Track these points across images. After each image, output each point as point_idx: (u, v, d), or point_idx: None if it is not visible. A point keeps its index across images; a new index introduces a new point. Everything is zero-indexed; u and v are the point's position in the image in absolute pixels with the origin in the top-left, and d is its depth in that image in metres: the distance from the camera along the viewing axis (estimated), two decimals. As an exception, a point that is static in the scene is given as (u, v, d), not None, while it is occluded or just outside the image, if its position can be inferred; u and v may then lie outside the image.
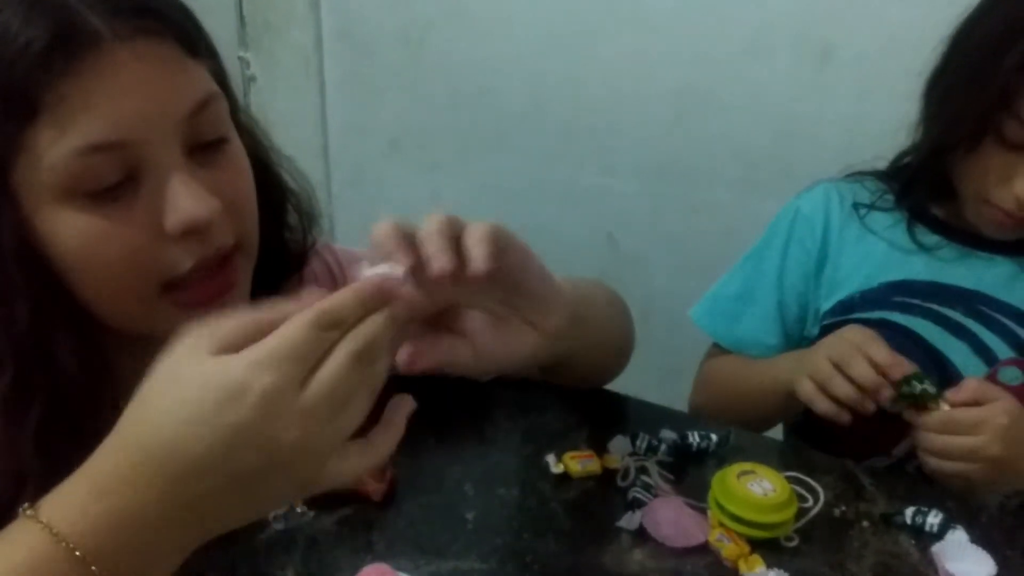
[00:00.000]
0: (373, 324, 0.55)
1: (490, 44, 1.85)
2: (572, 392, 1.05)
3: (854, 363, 1.01)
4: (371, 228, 0.63)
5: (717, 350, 1.31)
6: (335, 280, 0.95)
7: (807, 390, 1.04)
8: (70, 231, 0.66)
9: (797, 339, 1.25)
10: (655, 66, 1.71)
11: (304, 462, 0.53)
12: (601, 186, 1.84)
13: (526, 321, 0.75)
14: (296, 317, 0.53)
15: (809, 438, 1.23)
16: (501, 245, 0.67)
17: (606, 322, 0.99)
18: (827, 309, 1.19)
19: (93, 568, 0.52)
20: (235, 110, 0.77)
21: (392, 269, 0.60)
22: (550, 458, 0.95)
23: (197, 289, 0.71)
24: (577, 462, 0.94)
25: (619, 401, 1.07)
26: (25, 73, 0.62)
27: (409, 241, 0.63)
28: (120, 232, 0.66)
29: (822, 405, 1.03)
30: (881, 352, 1.00)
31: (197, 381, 0.52)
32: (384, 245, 0.62)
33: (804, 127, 1.62)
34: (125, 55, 0.64)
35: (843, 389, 1.01)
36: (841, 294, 1.18)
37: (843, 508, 0.91)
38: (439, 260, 0.61)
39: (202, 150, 0.70)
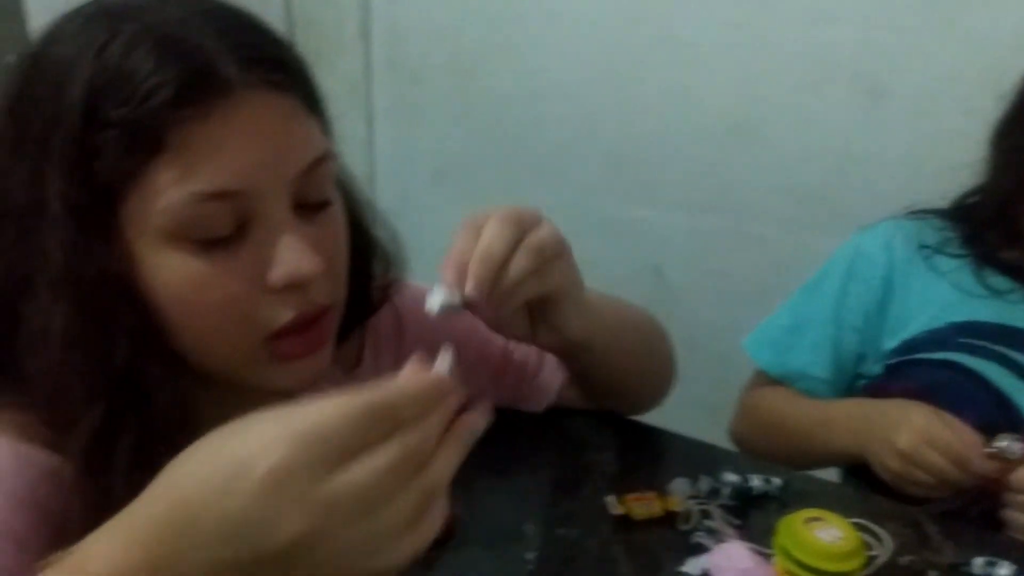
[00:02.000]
0: (424, 432, 0.50)
1: (538, 75, 1.85)
2: (629, 430, 1.04)
3: (927, 457, 1.02)
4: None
5: (762, 378, 1.30)
6: (400, 328, 0.94)
7: (892, 480, 1.06)
8: (174, 274, 0.65)
9: (851, 376, 1.23)
10: (705, 99, 1.70)
11: (311, 561, 0.47)
12: (648, 219, 1.83)
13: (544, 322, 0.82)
14: (347, 398, 0.49)
15: (868, 479, 1.21)
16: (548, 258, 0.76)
17: (635, 335, 1.01)
18: (891, 348, 1.18)
19: None
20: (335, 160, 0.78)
21: (451, 297, 0.69)
22: (610, 499, 0.94)
23: (292, 341, 0.70)
24: (639, 504, 0.93)
25: (677, 441, 1.06)
26: (154, 111, 0.61)
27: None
28: (223, 280, 0.66)
29: (913, 491, 1.04)
30: (949, 439, 1.01)
31: (222, 445, 0.49)
32: (446, 275, 0.68)
33: (856, 165, 1.61)
34: (253, 105, 0.65)
35: (926, 480, 1.02)
36: (905, 334, 1.16)
37: (910, 557, 0.89)
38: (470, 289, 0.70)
39: (306, 209, 0.70)
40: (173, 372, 0.69)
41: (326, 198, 0.72)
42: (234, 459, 0.47)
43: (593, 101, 1.81)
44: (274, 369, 0.71)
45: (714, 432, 1.15)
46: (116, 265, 0.65)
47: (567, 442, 1.03)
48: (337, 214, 0.74)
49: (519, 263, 0.73)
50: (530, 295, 0.76)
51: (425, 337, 0.94)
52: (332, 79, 2.12)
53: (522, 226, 0.74)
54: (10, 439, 0.67)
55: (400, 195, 2.08)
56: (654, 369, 1.06)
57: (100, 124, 0.62)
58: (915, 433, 1.03)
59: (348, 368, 0.92)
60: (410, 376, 0.53)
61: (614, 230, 1.87)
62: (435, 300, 0.70)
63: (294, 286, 0.67)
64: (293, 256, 0.67)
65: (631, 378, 1.02)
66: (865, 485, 1.19)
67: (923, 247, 1.17)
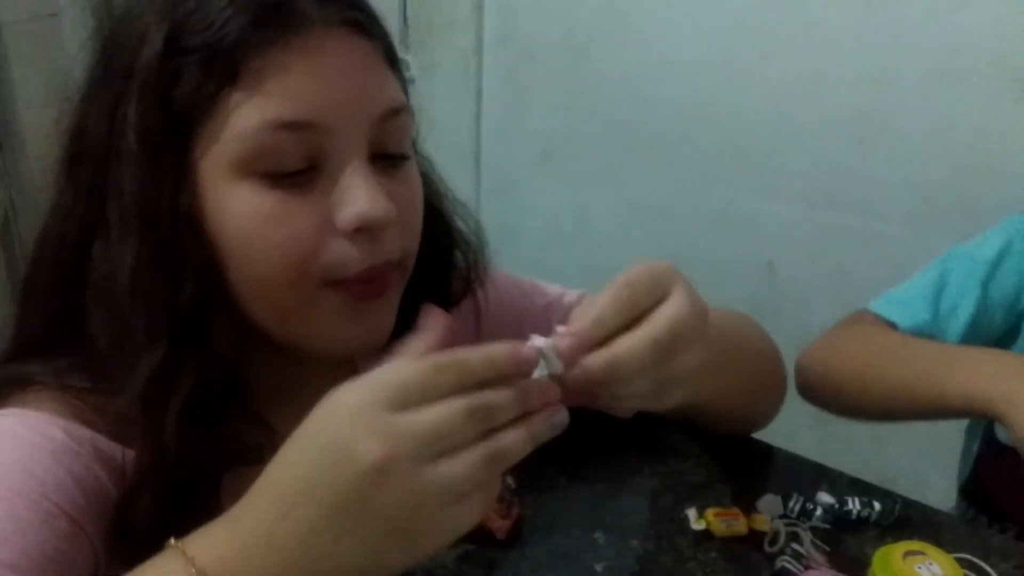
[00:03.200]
0: (499, 393, 0.53)
1: (654, 54, 1.78)
2: (717, 438, 0.97)
3: None
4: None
5: (867, 317, 1.13)
6: (478, 320, 0.91)
7: None
8: (240, 206, 0.64)
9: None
10: (830, 85, 1.60)
11: (389, 487, 0.49)
12: (762, 211, 1.74)
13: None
14: (419, 359, 0.53)
15: (981, 502, 1.11)
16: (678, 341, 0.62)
17: (747, 367, 0.92)
18: None
19: None
20: (415, 150, 0.77)
21: (554, 343, 0.58)
22: (691, 512, 0.88)
23: (356, 290, 0.68)
24: (721, 520, 0.87)
25: (769, 453, 0.99)
26: (232, 37, 0.62)
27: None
28: (290, 216, 0.64)
29: None
30: None
31: (321, 421, 0.52)
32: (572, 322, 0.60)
33: (992, 162, 1.48)
34: (330, 41, 0.65)
35: None
36: None
37: (1023, 601, 0.81)
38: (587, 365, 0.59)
39: (383, 160, 0.68)
40: (232, 318, 0.68)
41: (402, 151, 0.70)
42: (323, 408, 0.52)
43: (710, 84, 1.72)
44: (335, 320, 0.69)
45: (818, 445, 1.06)
46: (187, 198, 0.65)
47: (651, 448, 0.97)
48: (413, 173, 0.73)
49: (641, 390, 0.62)
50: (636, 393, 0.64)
51: (501, 329, 0.91)
52: (443, 53, 2.11)
53: (677, 337, 0.61)
54: (62, 418, 0.66)
55: (505, 174, 2.05)
56: (767, 393, 0.98)
57: (179, 51, 0.63)
58: None
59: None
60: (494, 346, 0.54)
61: (726, 222, 1.79)
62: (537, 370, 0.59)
63: (364, 230, 0.65)
64: (365, 197, 0.65)
65: (742, 408, 0.96)
66: (981, 514, 1.09)
67: None
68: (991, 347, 1.06)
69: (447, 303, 0.86)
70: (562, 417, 0.55)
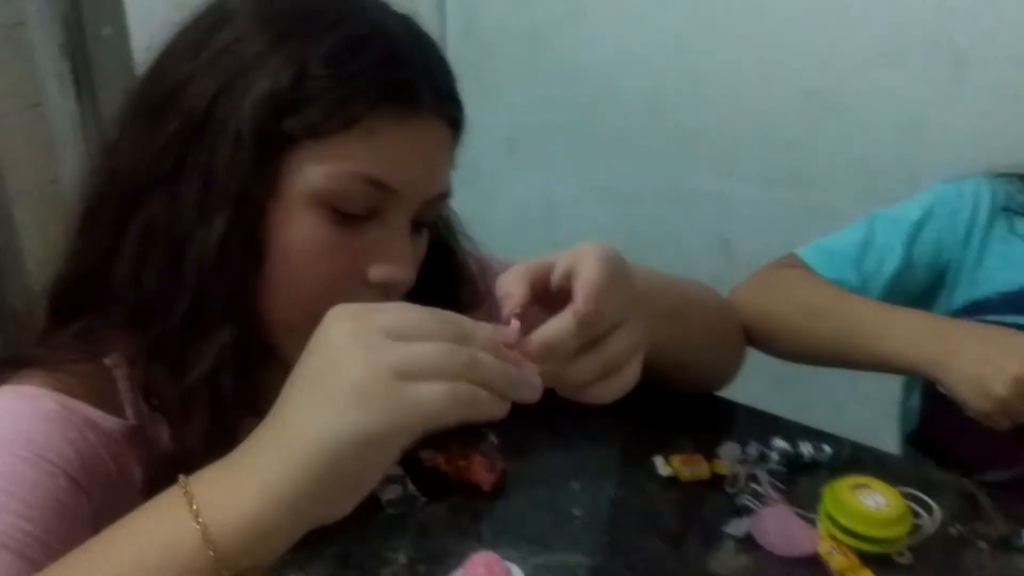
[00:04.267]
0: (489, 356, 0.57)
1: (612, 44, 1.86)
2: (681, 396, 1.05)
3: None
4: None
5: (794, 262, 1.21)
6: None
7: (988, 408, 0.96)
8: (305, 230, 0.73)
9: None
10: (779, 70, 1.69)
11: (355, 352, 0.53)
12: (718, 191, 1.82)
13: None
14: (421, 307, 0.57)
15: (927, 448, 1.20)
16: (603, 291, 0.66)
17: (698, 321, 1.00)
18: (959, 306, 1.15)
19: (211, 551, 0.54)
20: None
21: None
22: (658, 460, 0.95)
23: None
24: (686, 466, 0.94)
25: (729, 408, 1.07)
26: (365, 95, 0.71)
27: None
28: (338, 252, 0.74)
29: (1005, 424, 0.96)
30: None
31: (316, 336, 0.57)
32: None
33: (933, 136, 1.57)
34: (434, 129, 0.76)
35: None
36: (977, 293, 1.13)
37: (959, 527, 0.89)
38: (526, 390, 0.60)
39: (415, 227, 0.78)
40: (245, 317, 0.74)
41: (429, 221, 0.81)
42: (322, 325, 0.57)
43: (666, 70, 1.81)
44: None
45: (777, 405, 1.14)
46: (265, 199, 0.72)
47: (621, 406, 1.04)
48: (424, 241, 0.82)
49: (587, 369, 0.66)
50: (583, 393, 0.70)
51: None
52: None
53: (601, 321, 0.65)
54: (53, 391, 0.73)
55: (471, 165, 2.10)
56: (723, 354, 1.06)
57: (318, 80, 0.71)
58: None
59: None
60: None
61: (684, 202, 1.87)
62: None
63: (387, 286, 0.75)
64: (400, 261, 0.76)
65: (695, 361, 1.02)
66: (924, 455, 1.17)
67: (1006, 209, 1.14)
68: (914, 306, 1.13)
69: None
70: (536, 380, 0.59)
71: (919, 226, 1.17)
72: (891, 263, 1.16)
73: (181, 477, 0.57)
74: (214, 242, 0.71)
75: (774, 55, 1.69)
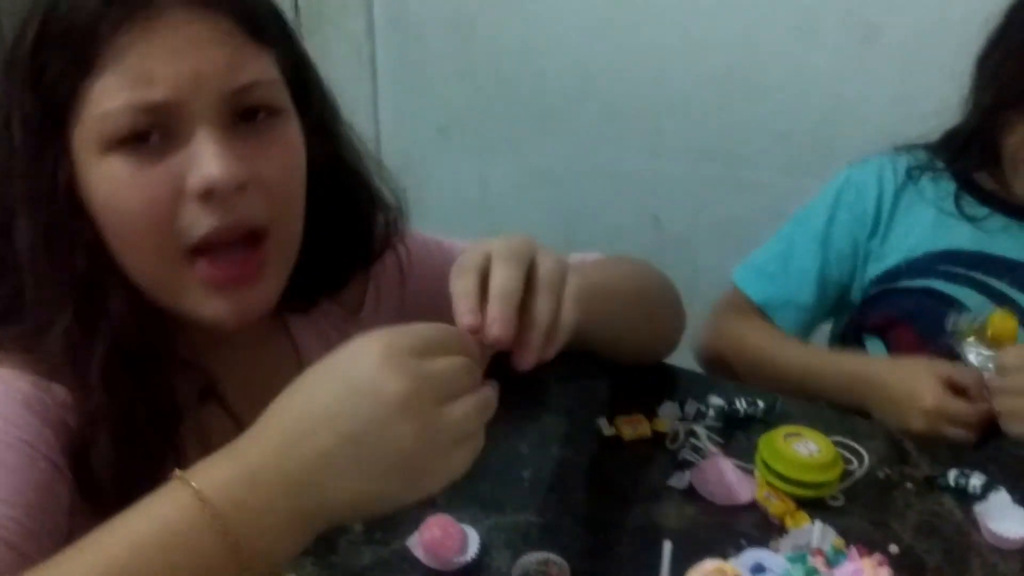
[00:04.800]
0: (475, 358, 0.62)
1: (538, 29, 1.89)
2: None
3: (947, 428, 1.04)
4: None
5: (738, 297, 1.31)
6: (403, 276, 0.98)
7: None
8: (103, 179, 0.70)
9: (834, 304, 1.28)
10: (700, 49, 1.73)
11: (409, 419, 0.55)
12: (647, 169, 1.87)
13: None
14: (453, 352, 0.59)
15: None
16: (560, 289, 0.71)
17: (631, 295, 1.01)
18: (873, 277, 1.21)
19: (226, 536, 0.54)
20: (328, 113, 0.84)
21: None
22: (602, 421, 0.98)
23: (221, 265, 0.72)
24: (628, 426, 0.97)
25: (668, 371, 1.10)
26: (85, 23, 0.68)
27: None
28: (144, 183, 0.69)
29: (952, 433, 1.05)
30: (962, 409, 1.04)
31: (355, 365, 0.57)
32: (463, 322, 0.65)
33: (849, 108, 1.64)
34: (178, 19, 0.69)
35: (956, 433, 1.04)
36: (888, 263, 1.20)
37: (887, 471, 0.93)
38: (497, 330, 0.65)
39: (247, 122, 0.72)
40: (129, 287, 0.74)
41: (269, 111, 0.74)
42: (352, 348, 0.57)
43: (591, 52, 1.84)
44: (203, 297, 0.74)
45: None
46: (65, 176, 0.71)
47: (561, 370, 1.07)
48: (286, 134, 0.76)
49: (544, 305, 0.69)
50: (569, 333, 0.72)
51: (425, 286, 0.99)
52: (337, 40, 2.17)
53: (524, 261, 0.69)
54: (23, 371, 0.72)
55: (405, 152, 2.12)
56: (661, 327, 1.08)
57: (47, 43, 0.69)
58: (923, 415, 1.05)
59: (351, 311, 0.97)
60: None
61: (613, 181, 1.91)
62: None
63: (210, 193, 0.69)
64: (210, 162, 0.69)
65: (633, 344, 1.04)
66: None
67: (911, 169, 1.21)
68: (840, 296, 1.27)
69: (368, 261, 0.94)
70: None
71: (830, 222, 1.26)
72: (813, 263, 1.26)
73: (177, 472, 0.56)
74: (33, 243, 0.71)
75: (696, 33, 1.73)
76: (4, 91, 0.72)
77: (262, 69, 0.74)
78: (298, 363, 0.91)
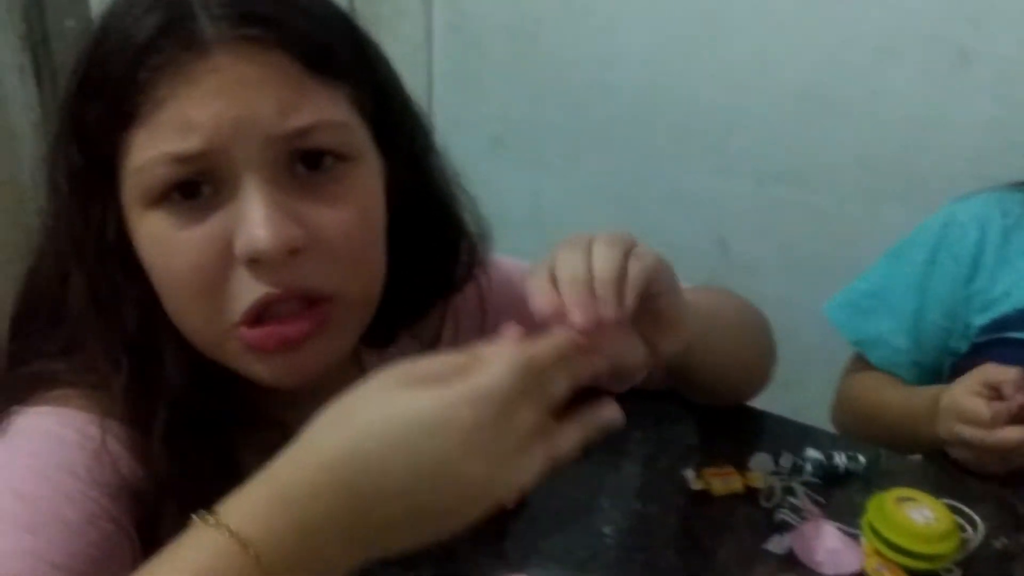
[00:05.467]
0: (561, 385, 0.56)
1: (603, 38, 1.80)
2: (707, 407, 1.00)
3: (964, 435, 0.99)
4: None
5: (858, 364, 1.26)
6: (483, 305, 0.92)
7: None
8: (147, 237, 0.64)
9: (936, 352, 1.19)
10: (777, 66, 1.64)
11: (484, 497, 0.53)
12: (713, 189, 1.78)
13: (642, 337, 0.72)
14: (504, 358, 0.54)
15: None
16: (652, 287, 0.67)
17: (731, 344, 0.95)
18: (980, 326, 1.13)
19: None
20: (419, 145, 0.77)
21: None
22: (688, 473, 0.91)
23: (264, 332, 0.64)
24: (718, 479, 0.90)
25: (755, 416, 1.03)
26: (124, 70, 0.61)
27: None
28: (189, 245, 0.62)
29: (994, 470, 1.00)
30: (973, 406, 0.98)
31: (405, 406, 0.52)
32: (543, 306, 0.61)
33: (936, 134, 1.55)
34: (224, 60, 0.61)
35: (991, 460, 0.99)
36: (996, 312, 1.11)
37: (1004, 540, 0.86)
38: (582, 314, 0.61)
39: (310, 170, 0.64)
40: (185, 346, 0.67)
41: (334, 156, 0.65)
42: (423, 419, 0.51)
43: (659, 66, 1.76)
44: (252, 360, 0.66)
45: (780, 407, 1.10)
46: (113, 234, 0.65)
47: (643, 415, 1.00)
48: (357, 180, 0.67)
49: (607, 252, 0.65)
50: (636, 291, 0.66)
51: (508, 314, 0.93)
52: (393, 44, 2.10)
53: (625, 247, 0.67)
54: (96, 415, 0.66)
55: (458, 161, 2.05)
56: (760, 358, 1.02)
57: (88, 92, 0.64)
58: (951, 418, 1.01)
59: (427, 344, 0.90)
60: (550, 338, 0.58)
61: (678, 200, 1.82)
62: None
63: (255, 261, 0.61)
64: (256, 227, 0.60)
65: (733, 376, 0.98)
66: (949, 464, 1.14)
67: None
68: (941, 332, 1.19)
69: (451, 290, 0.87)
70: (614, 416, 0.58)
71: (930, 262, 1.18)
72: (909, 304, 1.19)
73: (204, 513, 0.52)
74: (85, 300, 0.67)
75: (772, 51, 1.64)
76: (53, 142, 0.67)
77: (325, 109, 0.64)
78: None
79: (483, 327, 0.93)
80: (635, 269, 0.65)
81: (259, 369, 0.66)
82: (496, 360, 0.53)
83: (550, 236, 2.06)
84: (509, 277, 0.95)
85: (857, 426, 1.21)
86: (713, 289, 0.98)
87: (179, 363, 0.67)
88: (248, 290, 0.62)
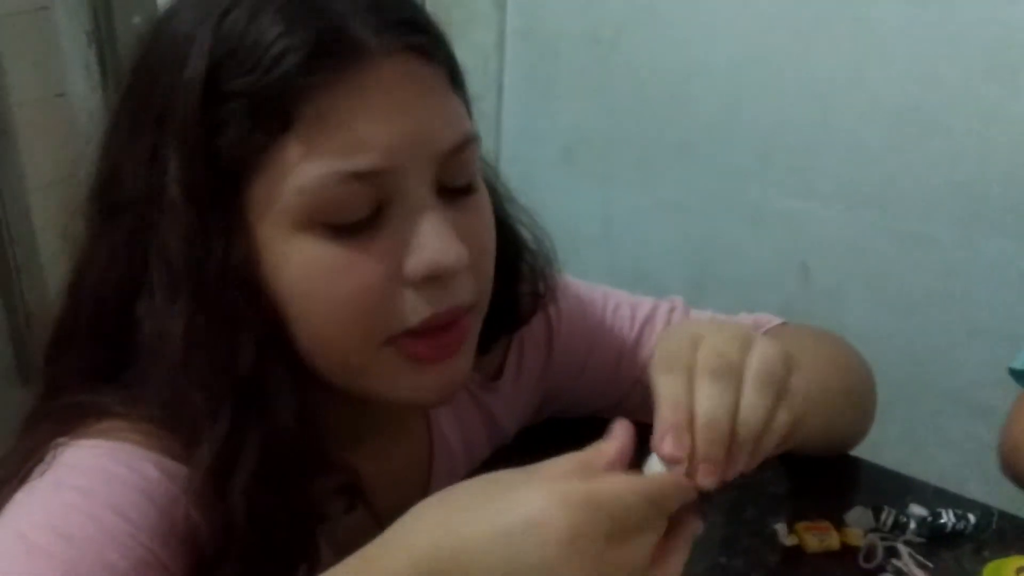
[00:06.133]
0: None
1: (684, 49, 1.73)
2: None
3: None
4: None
5: None
6: (550, 337, 0.87)
7: None
8: (304, 262, 0.59)
9: None
10: (871, 83, 1.55)
11: None
12: (796, 210, 1.69)
13: None
14: (633, 483, 0.49)
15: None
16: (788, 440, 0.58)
17: (838, 419, 0.87)
18: None
19: None
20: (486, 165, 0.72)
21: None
22: (780, 527, 0.83)
23: (426, 342, 0.63)
24: (812, 535, 0.81)
25: (850, 464, 0.94)
26: (282, 81, 0.56)
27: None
28: (357, 269, 0.59)
29: None
30: None
31: (511, 498, 0.48)
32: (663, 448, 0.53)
33: (1044, 161, 1.44)
34: (390, 73, 0.59)
35: None
36: None
37: None
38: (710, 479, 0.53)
39: (450, 194, 0.63)
40: (297, 382, 0.62)
41: (470, 182, 0.64)
42: (525, 515, 0.46)
43: (745, 80, 1.67)
44: (406, 374, 0.63)
45: (860, 446, 1.01)
46: (240, 256, 0.59)
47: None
48: (483, 203, 0.66)
49: (757, 402, 0.55)
50: (777, 444, 0.58)
51: (571, 346, 0.86)
52: (463, 50, 2.04)
53: (778, 388, 0.56)
54: (150, 451, 0.61)
55: (526, 174, 1.99)
56: (864, 418, 0.94)
57: (223, 97, 0.57)
58: None
59: (487, 378, 0.85)
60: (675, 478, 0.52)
61: (758, 221, 1.74)
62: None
63: (435, 278, 0.60)
64: (435, 243, 0.59)
65: (836, 440, 0.91)
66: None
67: None
68: None
69: (517, 322, 0.81)
70: (699, 527, 0.54)
71: None
72: None
73: None
74: (190, 333, 0.59)
75: (865, 66, 1.55)
76: (147, 148, 0.60)
77: (468, 122, 0.65)
78: (430, 442, 0.82)
79: (548, 359, 0.88)
80: (780, 422, 0.55)
81: (408, 384, 0.64)
82: (624, 480, 0.49)
83: (621, 251, 2.01)
84: (579, 304, 0.88)
85: None
86: (816, 332, 0.92)
87: (290, 396, 0.62)
88: (418, 310, 0.61)
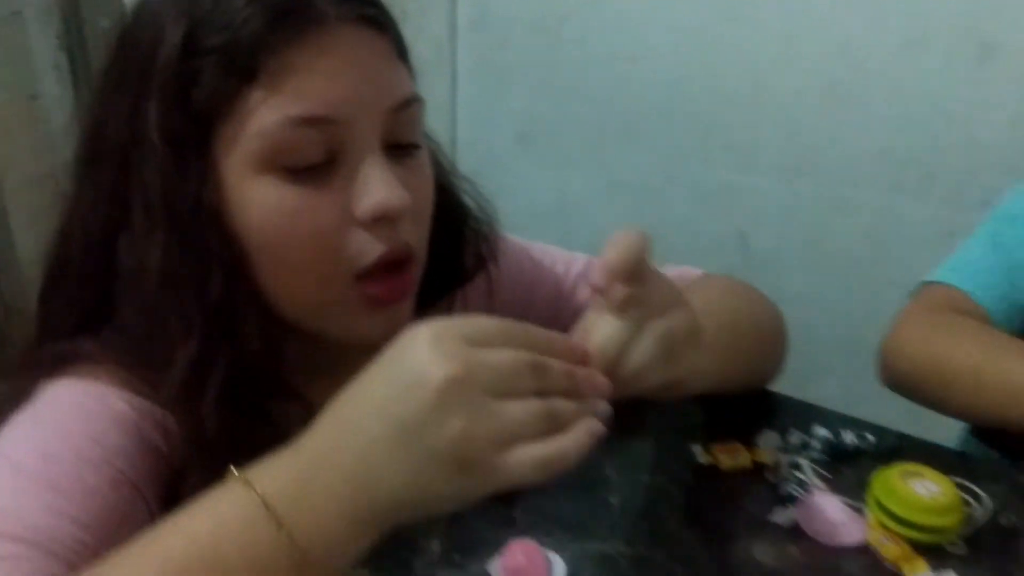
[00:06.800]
0: (557, 362, 0.56)
1: (627, 34, 1.82)
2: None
3: None
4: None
5: (953, 293, 1.08)
6: (491, 290, 0.94)
7: None
8: (265, 202, 0.67)
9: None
10: (800, 60, 1.65)
11: (454, 409, 0.51)
12: (735, 183, 1.79)
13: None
14: (519, 348, 0.54)
15: (992, 440, 1.14)
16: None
17: (745, 364, 0.94)
18: None
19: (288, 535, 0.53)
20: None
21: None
22: (696, 448, 0.92)
23: (380, 283, 0.72)
24: (726, 454, 0.91)
25: (764, 395, 1.03)
26: (251, 37, 0.65)
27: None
28: (312, 210, 0.68)
29: None
30: None
31: (401, 348, 0.53)
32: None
33: (959, 128, 1.55)
34: (345, 37, 0.68)
35: None
36: None
37: (1011, 517, 0.85)
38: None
39: (395, 150, 0.71)
40: (261, 311, 0.71)
41: (414, 141, 0.74)
42: (403, 337, 0.53)
43: (683, 62, 1.77)
44: (360, 315, 0.72)
45: (820, 393, 1.08)
46: (211, 194, 0.67)
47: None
48: (424, 162, 0.75)
49: (642, 350, 0.64)
50: (653, 384, 0.67)
51: (513, 298, 0.95)
52: (417, 39, 2.12)
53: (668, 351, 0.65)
54: (119, 389, 0.69)
55: (482, 158, 2.07)
56: (775, 358, 1.01)
57: (198, 52, 0.66)
58: None
59: None
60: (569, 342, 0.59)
61: (700, 195, 1.84)
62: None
63: (382, 219, 0.68)
64: (382, 187, 0.68)
65: (751, 378, 0.98)
66: (989, 447, 1.12)
67: None
68: None
69: (462, 280, 0.90)
70: (605, 407, 0.59)
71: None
72: (996, 271, 1.08)
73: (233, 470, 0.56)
74: (166, 262, 0.67)
75: (795, 45, 1.65)
76: (129, 102, 0.69)
77: (412, 86, 0.74)
78: None
79: (491, 310, 0.94)
80: (656, 375, 0.65)
81: (365, 324, 0.72)
82: (510, 350, 0.54)
83: (576, 230, 2.10)
84: (518, 259, 0.96)
85: (921, 377, 1.04)
86: (724, 283, 0.99)
87: (254, 326, 0.70)
88: (370, 249, 0.69)
